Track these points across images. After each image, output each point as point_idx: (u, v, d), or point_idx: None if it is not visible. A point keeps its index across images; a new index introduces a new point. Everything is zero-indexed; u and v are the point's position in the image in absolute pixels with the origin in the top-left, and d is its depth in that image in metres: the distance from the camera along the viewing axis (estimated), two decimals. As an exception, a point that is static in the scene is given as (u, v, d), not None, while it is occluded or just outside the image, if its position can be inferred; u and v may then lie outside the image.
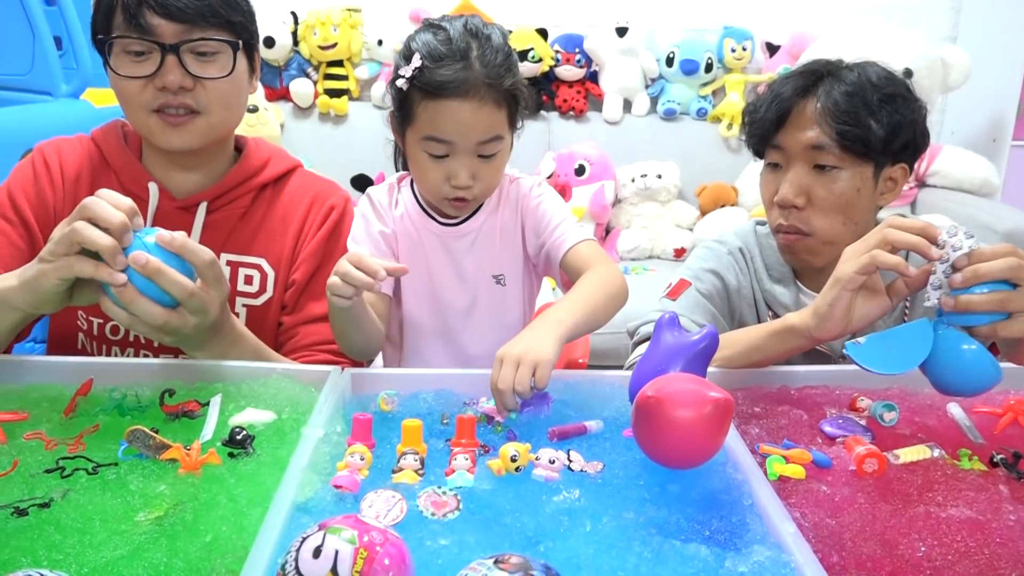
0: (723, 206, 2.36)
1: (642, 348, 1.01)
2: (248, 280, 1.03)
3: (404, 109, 0.95)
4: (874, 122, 0.95)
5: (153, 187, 1.00)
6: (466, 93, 0.91)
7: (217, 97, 0.95)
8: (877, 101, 0.96)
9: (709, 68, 2.55)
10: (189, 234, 1.00)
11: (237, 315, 1.00)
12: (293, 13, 2.50)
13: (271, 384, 0.79)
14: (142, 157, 1.02)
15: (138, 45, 0.91)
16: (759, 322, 1.05)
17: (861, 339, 0.74)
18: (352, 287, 0.80)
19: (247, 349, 0.89)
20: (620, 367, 0.96)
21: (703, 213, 2.40)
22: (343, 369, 0.82)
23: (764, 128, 1.01)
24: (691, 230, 2.39)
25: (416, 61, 0.91)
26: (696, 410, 0.60)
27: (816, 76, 0.99)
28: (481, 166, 0.95)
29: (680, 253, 2.36)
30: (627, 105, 2.59)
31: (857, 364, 0.73)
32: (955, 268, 0.72)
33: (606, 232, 2.44)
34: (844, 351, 0.74)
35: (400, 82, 0.93)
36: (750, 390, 0.84)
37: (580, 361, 1.18)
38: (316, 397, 0.75)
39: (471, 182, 0.95)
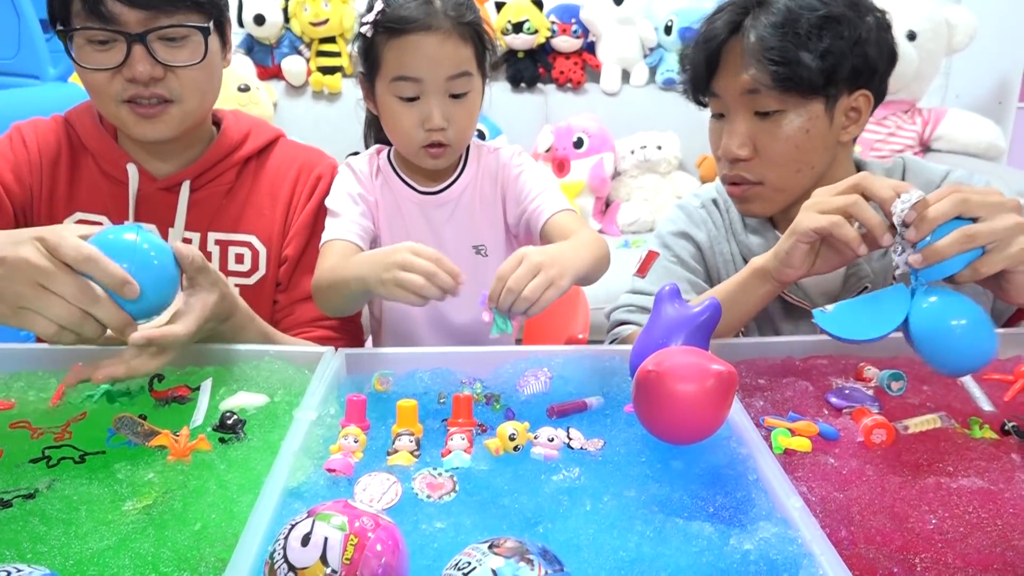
0: (725, 176, 2.32)
1: (621, 332, 0.98)
2: (239, 259, 1.00)
3: (371, 58, 0.96)
4: (806, 54, 0.84)
5: (132, 169, 0.97)
6: (429, 27, 0.92)
7: (191, 84, 0.92)
8: (808, 29, 0.84)
9: (708, 36, 2.49)
10: (173, 216, 0.98)
11: None
12: (284, -11, 2.45)
13: (263, 367, 0.77)
14: (118, 138, 0.99)
15: (102, 35, 0.86)
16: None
17: (829, 307, 0.69)
18: (439, 289, 0.76)
19: (254, 332, 0.86)
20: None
21: (704, 183, 2.36)
22: (336, 349, 0.81)
23: (696, 74, 0.92)
24: (692, 202, 2.36)
25: (379, 5, 0.93)
26: (698, 384, 0.58)
27: (745, 9, 0.88)
28: (453, 108, 0.95)
29: (682, 225, 2.32)
30: (625, 76, 2.55)
31: (825, 332, 0.68)
32: (907, 225, 0.67)
33: (606, 205, 2.41)
34: (813, 320, 0.69)
35: (365, 28, 0.94)
36: (754, 362, 0.83)
37: (580, 336, 1.16)
38: (309, 379, 0.73)
39: (444, 123, 0.95)
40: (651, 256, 1.01)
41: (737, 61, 0.89)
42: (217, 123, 1.04)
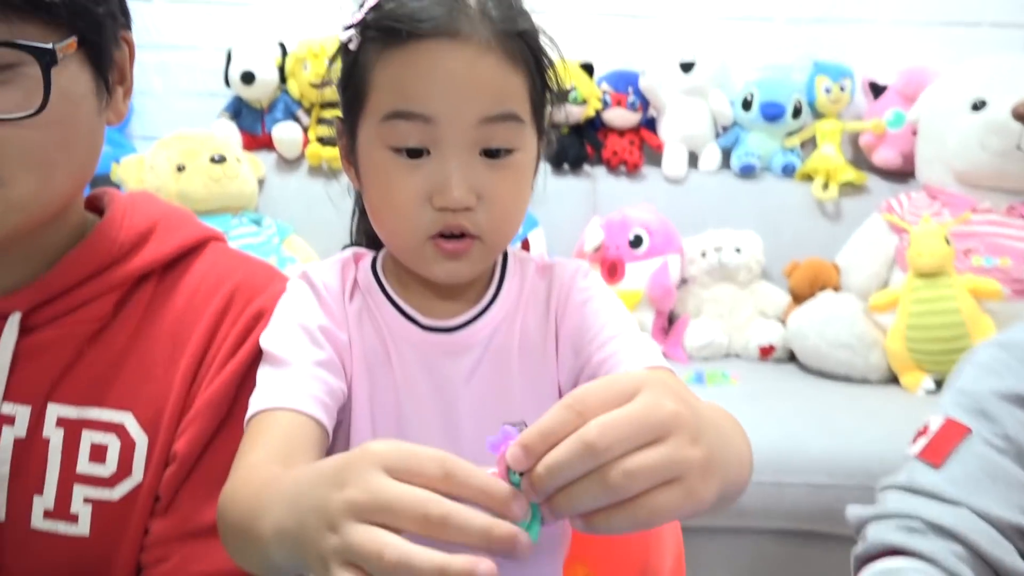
0: (822, 289, 1.86)
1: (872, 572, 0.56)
2: (98, 454, 0.61)
3: (353, 85, 0.60)
4: None
5: None
6: (455, 33, 0.57)
7: (17, 153, 0.54)
8: None
9: (797, 113, 2.09)
10: None
11: (74, 517, 0.60)
12: (281, 44, 2.09)
13: None
14: None
15: None
16: None
17: None
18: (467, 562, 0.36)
19: None
20: None
21: (796, 299, 1.90)
22: None
23: None
24: (782, 322, 1.89)
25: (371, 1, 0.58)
26: None
27: None
28: (487, 174, 0.58)
29: (767, 352, 1.85)
30: (693, 159, 2.14)
31: None
32: None
33: (669, 322, 1.96)
34: None
35: (347, 35, 0.59)
36: None
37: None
38: None
39: (470, 197, 0.58)
40: (953, 430, 0.62)
41: None
42: (101, 209, 0.67)
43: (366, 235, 0.70)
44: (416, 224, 0.59)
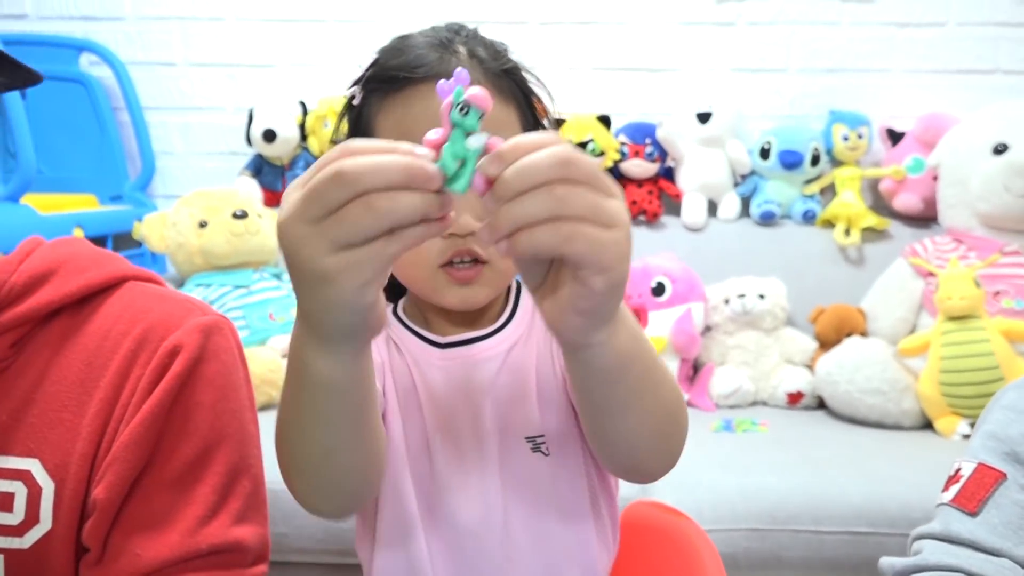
0: (849, 335, 1.86)
1: None
2: (4, 503, 0.59)
3: (360, 136, 0.65)
4: None
5: None
6: (449, 74, 0.58)
7: None
8: None
9: (816, 161, 2.12)
10: None
11: None
12: (302, 103, 2.16)
13: None
14: None
15: None
16: None
17: None
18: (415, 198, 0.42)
19: None
20: None
21: (823, 346, 1.90)
22: None
23: None
24: (809, 368, 1.89)
25: (371, 59, 0.66)
26: None
27: None
28: None
29: (796, 399, 1.84)
30: (712, 207, 2.17)
31: None
32: None
33: (694, 370, 1.95)
34: None
35: (351, 91, 0.67)
36: None
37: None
38: None
39: (475, 223, 0.62)
40: (987, 475, 0.61)
41: None
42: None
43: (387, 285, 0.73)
44: (427, 254, 0.63)
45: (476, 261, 0.63)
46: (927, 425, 1.69)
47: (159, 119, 2.26)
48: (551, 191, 0.41)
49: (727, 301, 1.95)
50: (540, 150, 0.42)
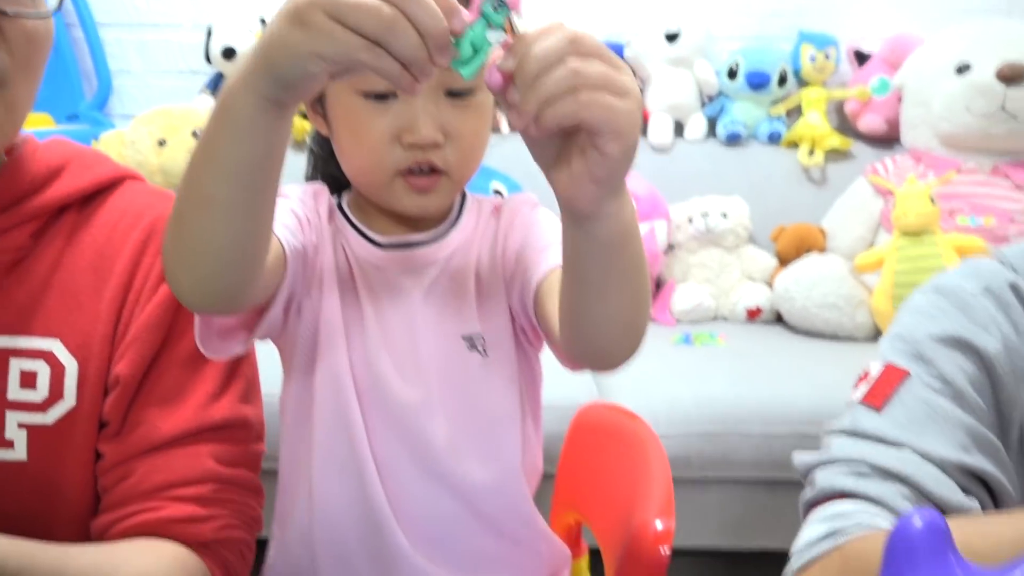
0: (809, 252, 1.91)
1: (822, 515, 0.58)
2: (28, 381, 0.63)
3: None
4: None
5: None
6: None
7: (23, 54, 0.59)
8: None
9: (783, 81, 2.14)
10: None
11: (10, 443, 0.62)
12: (262, 20, 2.12)
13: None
14: None
15: None
16: None
17: None
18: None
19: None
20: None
21: (783, 263, 1.95)
22: None
23: None
24: (768, 285, 1.94)
25: None
26: None
27: None
28: (452, 113, 0.65)
29: (755, 314, 1.90)
30: (679, 128, 2.19)
31: None
32: None
33: (657, 287, 2.00)
34: None
35: None
36: None
37: (660, 530, 0.69)
38: None
39: (437, 134, 0.64)
40: (893, 374, 0.63)
41: None
42: (12, 150, 0.67)
43: (329, 180, 0.75)
44: (387, 162, 0.65)
45: (434, 171, 0.66)
46: (879, 337, 1.75)
47: (114, 36, 2.21)
48: (566, 65, 0.44)
49: (691, 220, 1.99)
50: (548, 35, 0.45)
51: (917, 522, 0.34)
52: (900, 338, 0.65)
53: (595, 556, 0.85)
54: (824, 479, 0.60)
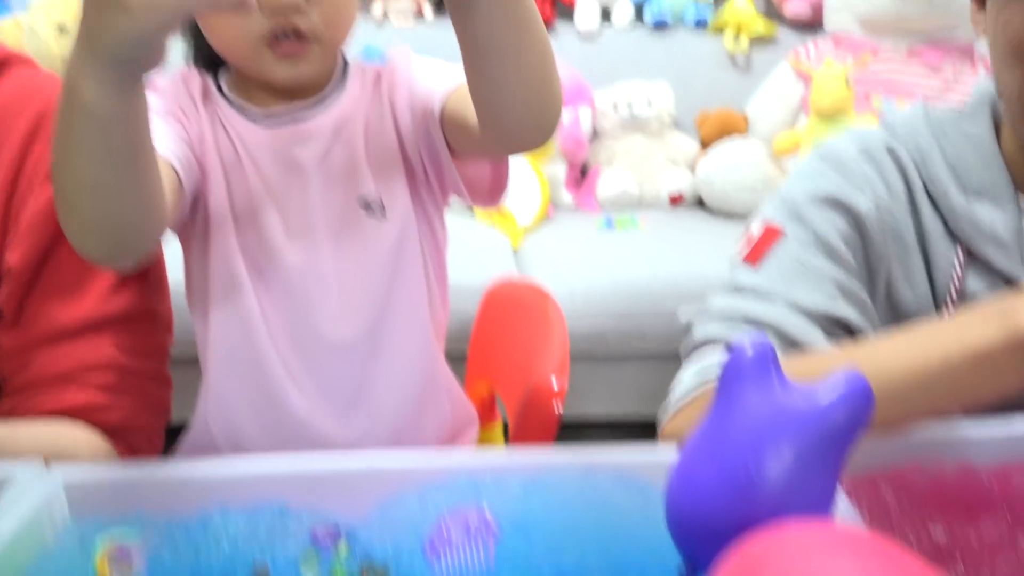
0: (731, 137, 1.96)
1: (694, 368, 0.63)
2: None
3: None
4: None
5: None
6: None
7: None
8: None
9: (709, -36, 2.13)
10: None
11: None
12: None
13: None
14: None
15: None
16: (934, 289, 0.67)
17: None
18: None
19: None
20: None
21: (705, 147, 1.99)
22: (49, 464, 0.40)
23: None
24: (691, 169, 1.99)
25: None
26: None
27: None
28: None
29: (677, 200, 1.95)
30: (605, 14, 2.16)
31: None
32: None
33: (582, 173, 2.03)
34: None
35: None
36: (902, 473, 0.45)
37: (553, 387, 0.74)
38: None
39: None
40: (770, 234, 0.67)
41: None
42: None
43: (204, 58, 0.72)
44: (248, 29, 0.63)
45: (301, 37, 0.64)
46: (796, 219, 1.82)
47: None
48: None
49: (615, 106, 2.00)
50: None
51: (747, 347, 0.38)
52: (780, 199, 0.69)
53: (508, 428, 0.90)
54: (700, 331, 0.65)
